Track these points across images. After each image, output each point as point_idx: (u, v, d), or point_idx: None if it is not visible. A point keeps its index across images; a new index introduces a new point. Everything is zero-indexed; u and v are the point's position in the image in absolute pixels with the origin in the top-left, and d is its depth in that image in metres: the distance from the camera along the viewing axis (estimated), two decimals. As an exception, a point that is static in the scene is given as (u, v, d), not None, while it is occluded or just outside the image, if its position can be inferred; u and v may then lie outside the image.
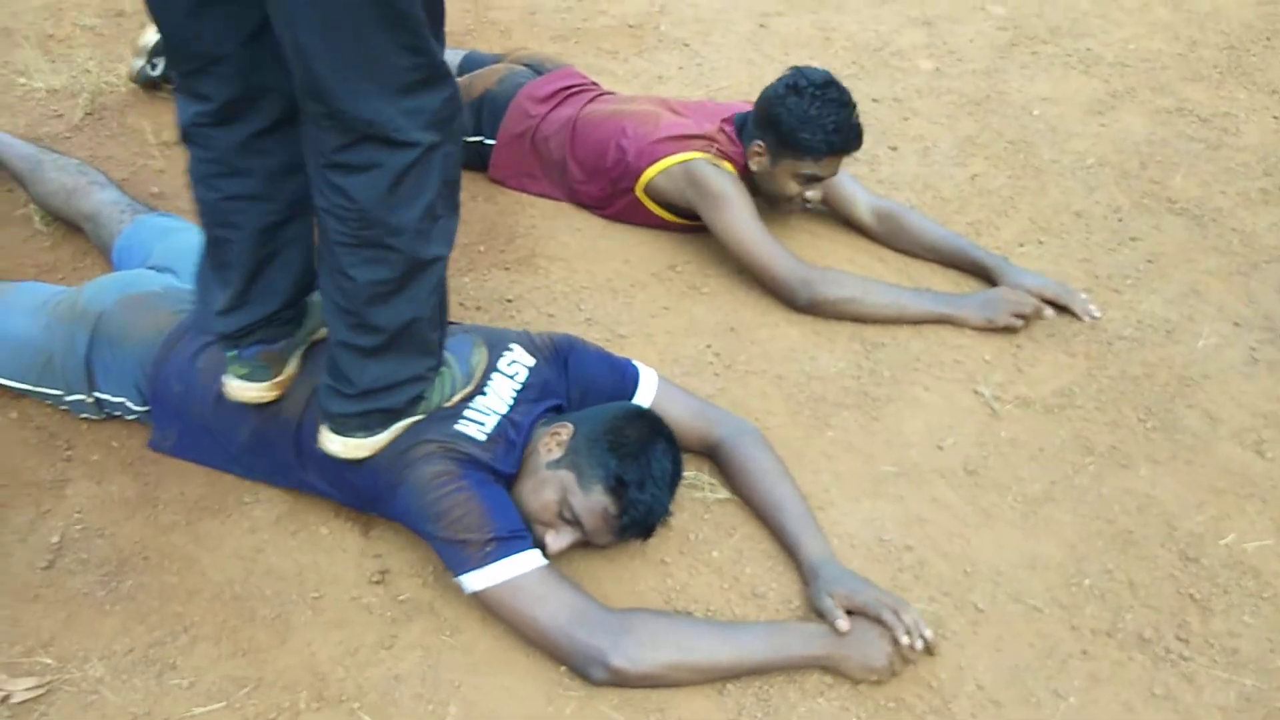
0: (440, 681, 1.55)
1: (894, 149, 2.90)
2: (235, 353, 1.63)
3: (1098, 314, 2.33)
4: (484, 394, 1.70)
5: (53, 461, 1.80)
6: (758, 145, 2.34)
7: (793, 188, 2.35)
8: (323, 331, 1.73)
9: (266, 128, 1.47)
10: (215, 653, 1.56)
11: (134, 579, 1.64)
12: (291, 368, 1.70)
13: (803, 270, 2.26)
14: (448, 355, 1.68)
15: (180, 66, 1.44)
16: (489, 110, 2.54)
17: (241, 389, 1.66)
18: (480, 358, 1.74)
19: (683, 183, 2.33)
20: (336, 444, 1.61)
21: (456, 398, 1.68)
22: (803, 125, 2.24)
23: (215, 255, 1.59)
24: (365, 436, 1.60)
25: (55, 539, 1.69)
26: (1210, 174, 2.88)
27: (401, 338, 1.53)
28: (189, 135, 1.49)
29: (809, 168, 2.30)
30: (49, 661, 1.53)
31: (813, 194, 2.36)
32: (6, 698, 1.48)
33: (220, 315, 1.61)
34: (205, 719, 1.48)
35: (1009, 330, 2.26)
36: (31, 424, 1.86)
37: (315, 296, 1.71)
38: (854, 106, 2.29)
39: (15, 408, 1.87)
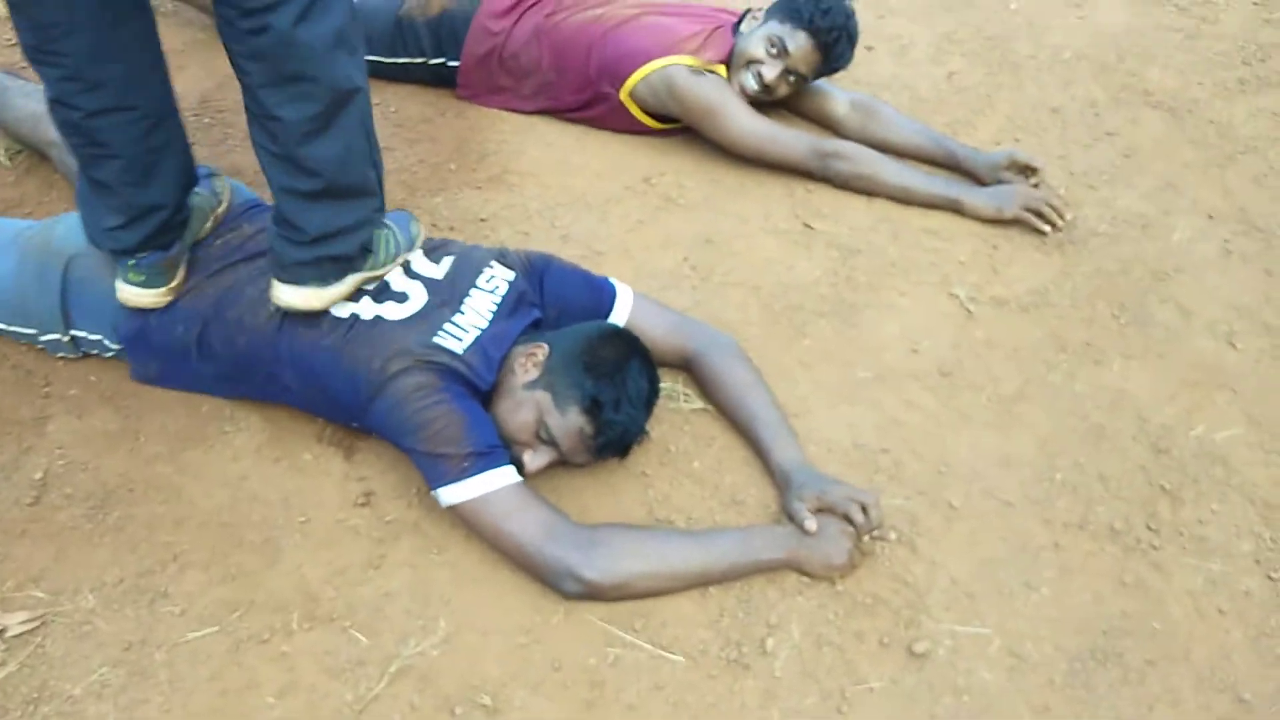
0: (430, 597, 1.58)
1: (870, 49, 2.86)
2: (133, 262, 1.65)
3: (1061, 192, 2.38)
4: (462, 312, 1.70)
5: (31, 399, 1.80)
6: (756, 11, 2.42)
7: (759, 52, 2.38)
8: (208, 228, 1.78)
9: (112, 26, 1.48)
10: (205, 578, 1.59)
11: (120, 510, 1.66)
12: (183, 271, 1.73)
13: (817, 145, 2.34)
14: (389, 222, 1.73)
15: None
16: (448, 30, 2.49)
17: (138, 295, 1.69)
18: (419, 230, 1.80)
19: (664, 94, 2.34)
20: (293, 295, 1.63)
21: (400, 259, 1.74)
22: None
23: (93, 176, 1.60)
24: (320, 287, 1.63)
25: (39, 475, 1.70)
26: (1188, 64, 2.85)
27: (340, 177, 1.56)
28: (39, 57, 1.48)
29: (784, 35, 2.35)
30: (41, 595, 1.55)
31: (769, 71, 2.38)
32: (2, 631, 1.50)
33: (113, 231, 1.63)
34: (199, 643, 1.51)
35: (1017, 223, 2.28)
36: (7, 362, 1.85)
37: (197, 200, 1.73)
38: (853, 18, 2.36)
39: (-11, 347, 1.87)
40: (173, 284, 1.71)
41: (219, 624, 1.53)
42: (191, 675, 1.47)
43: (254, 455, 1.74)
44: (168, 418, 1.78)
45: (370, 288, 1.71)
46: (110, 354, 1.83)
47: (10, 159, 2.25)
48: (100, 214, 1.63)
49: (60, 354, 1.84)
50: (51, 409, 1.80)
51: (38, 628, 1.52)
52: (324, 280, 1.63)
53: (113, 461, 1.72)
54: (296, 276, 1.62)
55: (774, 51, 2.36)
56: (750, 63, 2.38)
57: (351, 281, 1.67)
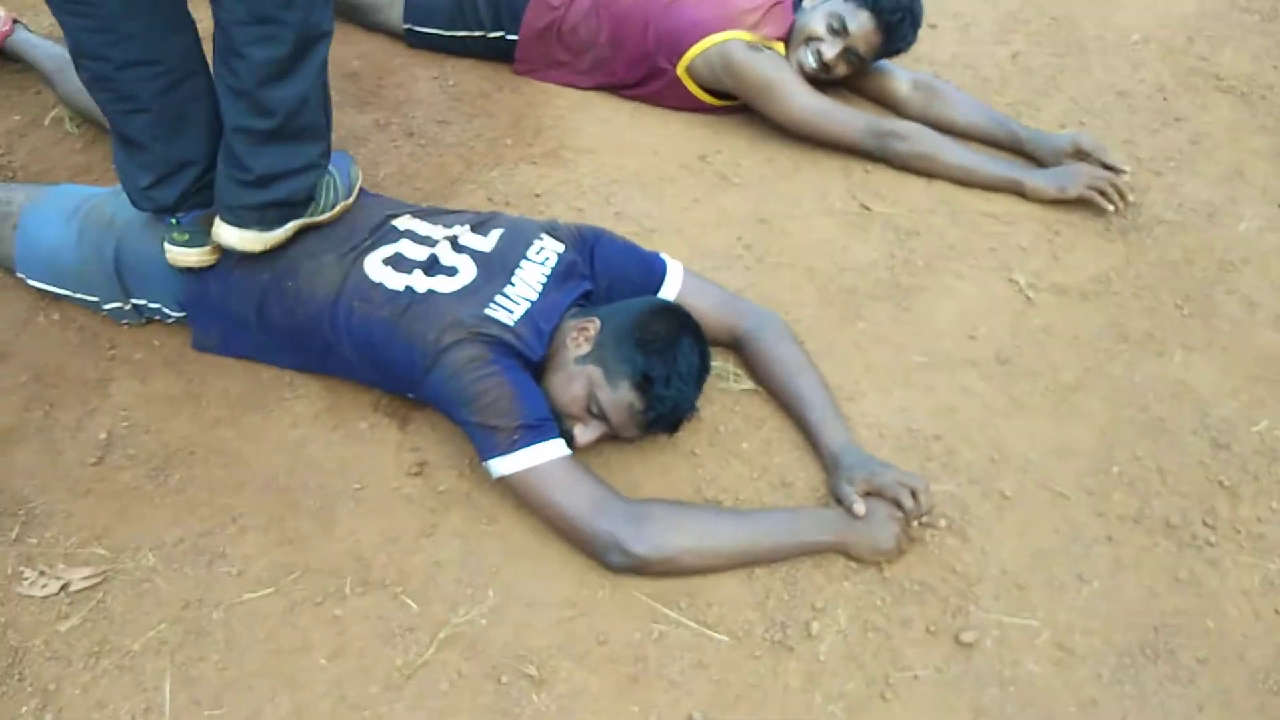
0: (479, 567, 1.60)
1: (933, 27, 2.81)
2: (175, 220, 1.69)
3: (1126, 168, 2.26)
4: (513, 284, 1.71)
5: (96, 361, 1.85)
6: None
7: (819, 29, 2.35)
8: None
9: None
10: (263, 541, 1.62)
11: (181, 472, 1.70)
12: None
13: (874, 124, 2.31)
14: (331, 167, 1.76)
15: None
16: (507, 4, 2.49)
17: (184, 255, 1.72)
18: (358, 174, 1.86)
19: (721, 69, 2.32)
20: (233, 235, 1.68)
21: (339, 207, 1.78)
22: None
23: (124, 134, 1.65)
24: (262, 230, 1.68)
25: (103, 435, 1.74)
26: (1262, 49, 2.76)
27: (294, 120, 1.61)
28: (68, 7, 1.52)
29: (845, 13, 2.32)
30: (103, 552, 1.60)
31: (828, 49, 2.35)
32: (66, 586, 1.55)
33: (150, 190, 1.67)
34: (255, 604, 1.55)
35: (1081, 203, 2.24)
36: (74, 325, 1.90)
37: None
38: (918, 1, 2.33)
39: (57, 309, 1.91)
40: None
41: (275, 586, 1.57)
42: (247, 635, 1.51)
43: (312, 422, 1.77)
44: (229, 383, 1.82)
45: (421, 260, 1.72)
46: (172, 320, 1.87)
47: (77, 127, 2.30)
48: (134, 174, 1.68)
49: (124, 320, 1.88)
50: (116, 372, 1.84)
51: (100, 584, 1.56)
52: (266, 225, 1.68)
53: (175, 424, 1.76)
54: (240, 219, 1.67)
55: (835, 28, 2.33)
56: (810, 40, 2.35)
57: (292, 227, 1.72)
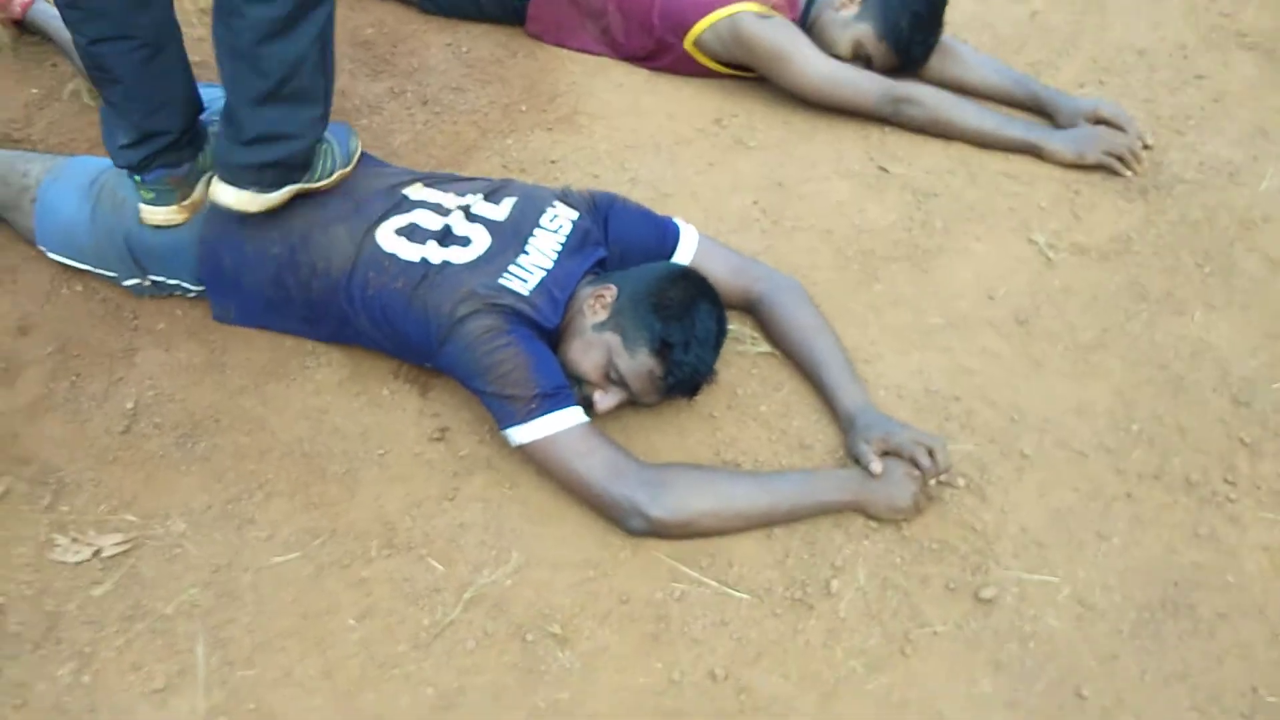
0: (502, 530, 1.62)
1: (949, -13, 2.77)
2: (139, 179, 1.73)
3: (1150, 140, 2.27)
4: (526, 252, 1.71)
5: (120, 331, 1.87)
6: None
7: (844, 53, 2.35)
8: None
9: None
10: (290, 507, 1.65)
11: (207, 440, 1.72)
12: (199, 193, 1.79)
13: (889, 89, 2.29)
14: (329, 135, 1.77)
15: None
16: (525, -37, 2.47)
17: (150, 213, 1.76)
18: (357, 145, 1.85)
19: (731, 42, 2.31)
20: (230, 195, 1.69)
21: (337, 175, 1.78)
22: (908, 17, 2.28)
23: (106, 97, 1.68)
24: (258, 191, 1.70)
25: (129, 404, 1.76)
26: (1286, 3, 2.72)
27: (290, 81, 1.62)
28: None
29: (873, 48, 2.33)
30: (133, 519, 1.62)
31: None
32: (98, 552, 1.58)
33: (123, 149, 1.71)
34: (284, 567, 1.57)
35: (1099, 168, 2.23)
36: (97, 296, 1.91)
37: (215, 127, 1.79)
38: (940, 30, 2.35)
39: (79, 281, 1.93)
40: (186, 202, 1.77)
41: (303, 549, 1.59)
42: (276, 598, 1.54)
43: (335, 390, 1.79)
44: (252, 352, 1.84)
45: (435, 230, 1.73)
46: (193, 294, 1.88)
47: (94, 99, 2.30)
48: (114, 131, 1.71)
49: (145, 294, 1.90)
50: (140, 342, 1.86)
51: (130, 550, 1.59)
52: (263, 186, 1.69)
53: (199, 393, 1.79)
54: (237, 179, 1.69)
55: (859, 54, 2.35)
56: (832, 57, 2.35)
57: (288, 191, 1.72)
